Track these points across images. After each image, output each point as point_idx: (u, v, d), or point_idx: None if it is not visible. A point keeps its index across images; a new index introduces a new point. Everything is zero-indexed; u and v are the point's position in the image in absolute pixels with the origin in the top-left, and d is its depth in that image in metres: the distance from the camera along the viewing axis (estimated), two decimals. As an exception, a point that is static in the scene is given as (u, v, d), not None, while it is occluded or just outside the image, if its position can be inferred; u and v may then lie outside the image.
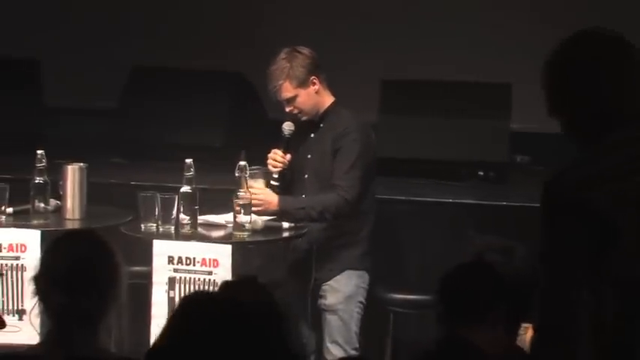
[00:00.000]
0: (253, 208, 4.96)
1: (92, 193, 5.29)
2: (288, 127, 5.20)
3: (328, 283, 5.18)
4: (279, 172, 5.15)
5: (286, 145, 5.20)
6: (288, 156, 5.18)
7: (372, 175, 5.25)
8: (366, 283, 5.22)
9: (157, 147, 6.76)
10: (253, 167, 5.04)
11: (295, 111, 5.18)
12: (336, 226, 5.14)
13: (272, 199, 5.04)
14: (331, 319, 5.16)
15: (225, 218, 5.08)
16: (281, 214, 5.07)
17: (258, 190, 5.01)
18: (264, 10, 7.62)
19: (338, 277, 5.18)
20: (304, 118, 5.21)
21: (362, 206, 5.18)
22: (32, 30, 7.69)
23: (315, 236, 5.17)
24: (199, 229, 5.02)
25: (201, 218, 5.06)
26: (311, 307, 5.27)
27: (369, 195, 5.24)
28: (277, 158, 5.17)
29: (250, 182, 4.99)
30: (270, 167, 5.17)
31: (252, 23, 7.58)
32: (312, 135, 5.24)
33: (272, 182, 5.14)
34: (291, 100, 5.16)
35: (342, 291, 5.16)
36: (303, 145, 5.23)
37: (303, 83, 5.14)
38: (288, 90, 5.13)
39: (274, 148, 5.19)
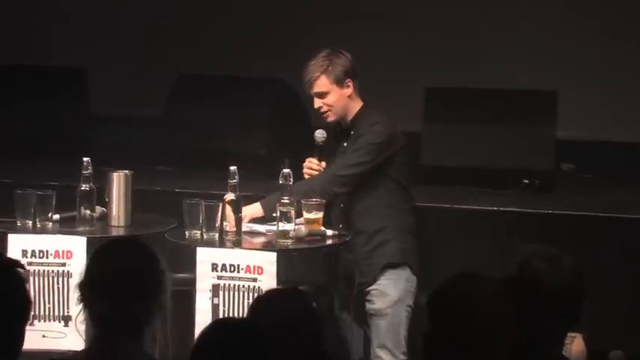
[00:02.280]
0: (244, 221, 4.98)
1: (137, 200, 5.32)
2: (320, 134, 5.20)
3: (376, 287, 5.17)
4: None
5: (319, 152, 5.19)
6: (323, 163, 5.18)
7: (405, 169, 5.22)
8: (414, 287, 5.20)
9: (202, 154, 6.78)
10: (310, 200, 5.02)
11: (324, 108, 5.17)
12: (371, 224, 5.13)
13: (255, 207, 5.06)
14: (380, 324, 5.14)
15: (267, 227, 5.08)
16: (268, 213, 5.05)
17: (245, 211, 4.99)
18: (307, 18, 7.63)
19: (385, 281, 5.16)
20: (331, 119, 5.19)
21: (396, 201, 5.17)
22: (79, 39, 7.75)
23: (352, 240, 5.17)
24: (247, 236, 5.03)
25: (246, 226, 5.07)
26: (358, 312, 5.26)
27: (403, 189, 5.22)
28: (313, 167, 5.17)
29: (306, 214, 5.00)
30: (306, 176, 5.16)
31: (296, 31, 7.59)
32: (345, 144, 5.23)
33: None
34: (322, 95, 5.15)
35: (391, 295, 5.14)
36: (336, 154, 5.22)
37: (338, 82, 5.15)
38: (322, 84, 5.14)
39: (309, 157, 5.19)
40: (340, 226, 5.17)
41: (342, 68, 5.15)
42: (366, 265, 5.19)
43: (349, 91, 5.18)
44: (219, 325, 2.89)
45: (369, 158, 5.13)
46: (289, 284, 4.66)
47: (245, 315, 4.72)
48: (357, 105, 5.23)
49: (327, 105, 5.16)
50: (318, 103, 5.17)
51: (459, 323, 2.90)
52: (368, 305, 5.21)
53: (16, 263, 2.70)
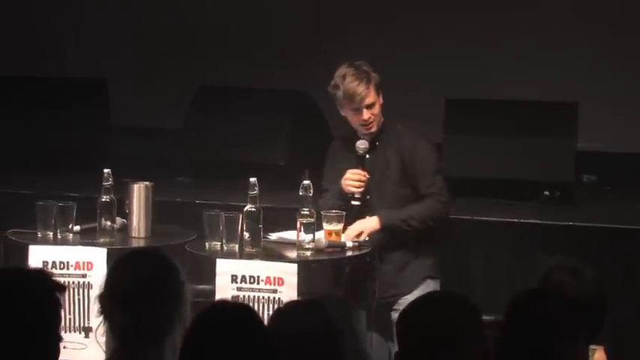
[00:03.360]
0: (362, 237, 5.03)
1: (158, 212, 5.33)
2: (362, 144, 5.19)
3: (406, 296, 5.15)
4: (362, 192, 5.14)
5: (363, 163, 5.19)
6: (366, 172, 5.18)
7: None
8: None
9: (222, 165, 6.79)
10: (330, 212, 5.03)
11: (371, 119, 5.16)
12: (411, 236, 5.14)
13: (371, 222, 5.08)
14: None
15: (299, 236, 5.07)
16: (384, 230, 5.09)
17: (356, 226, 5.04)
18: (328, 30, 7.64)
19: (419, 292, 5.15)
20: (373, 129, 5.19)
21: None
22: (100, 50, 7.78)
23: (390, 251, 5.16)
24: (270, 246, 5.03)
25: (275, 235, 5.08)
26: (383, 324, 5.25)
27: None
28: (361, 178, 5.14)
29: (326, 226, 5.00)
30: (349, 188, 5.14)
31: (316, 42, 7.60)
32: (368, 156, 5.22)
33: (353, 202, 5.14)
34: (371, 106, 5.15)
35: None
36: (361, 160, 5.20)
37: (378, 91, 5.18)
38: (372, 95, 5.14)
39: (348, 169, 5.16)
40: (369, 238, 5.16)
41: (377, 75, 5.17)
42: (401, 276, 5.18)
43: (381, 100, 5.20)
44: (215, 307, 2.87)
45: (443, 165, 5.21)
46: (309, 296, 4.65)
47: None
48: (381, 116, 5.25)
49: (374, 115, 5.17)
50: (367, 114, 5.15)
51: (427, 345, 2.88)
52: (394, 315, 5.19)
53: (52, 280, 2.70)
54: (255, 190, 4.97)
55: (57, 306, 2.62)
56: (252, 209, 4.96)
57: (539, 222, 5.94)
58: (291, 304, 3.39)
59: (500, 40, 7.38)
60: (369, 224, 5.10)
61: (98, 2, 7.98)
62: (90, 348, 4.91)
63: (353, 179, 5.14)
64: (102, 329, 3.26)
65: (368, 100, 5.14)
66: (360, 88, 5.12)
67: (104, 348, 4.73)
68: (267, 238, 5.10)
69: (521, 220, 5.93)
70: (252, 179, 4.98)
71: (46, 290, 2.59)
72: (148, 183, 5.31)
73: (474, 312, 2.98)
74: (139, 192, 5.26)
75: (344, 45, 7.49)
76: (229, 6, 7.81)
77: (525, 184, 6.53)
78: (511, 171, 6.58)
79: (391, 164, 5.18)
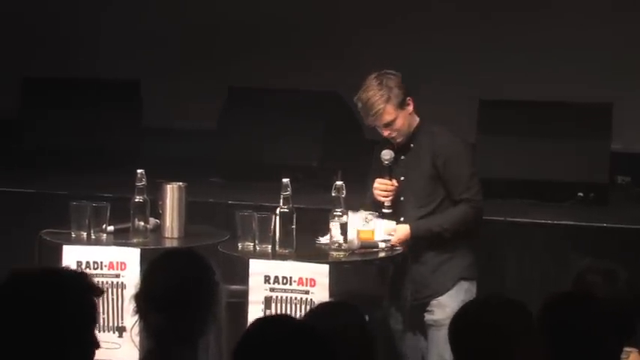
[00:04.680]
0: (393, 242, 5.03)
1: (191, 212, 5.34)
2: (388, 154, 5.16)
3: (438, 298, 5.14)
4: (392, 200, 5.13)
5: (389, 172, 5.17)
6: (394, 181, 5.15)
7: None
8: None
9: (255, 166, 6.80)
10: (368, 213, 5.04)
11: (393, 134, 5.16)
12: (447, 238, 5.14)
13: (403, 232, 5.08)
14: (439, 335, 5.10)
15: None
16: (415, 240, 5.10)
17: (390, 231, 5.05)
18: (360, 31, 7.63)
19: (454, 292, 5.14)
20: (399, 139, 5.19)
21: None
22: (133, 52, 7.81)
23: (424, 252, 5.16)
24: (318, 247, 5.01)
25: (325, 239, 5.05)
26: (416, 324, 5.25)
27: None
28: (388, 187, 5.14)
29: (358, 227, 5.00)
30: (379, 198, 5.14)
31: (348, 43, 7.59)
32: (403, 157, 5.21)
33: (384, 210, 5.13)
34: (390, 124, 5.14)
35: (450, 306, 5.10)
36: (394, 169, 5.20)
37: (401, 105, 5.14)
38: (389, 113, 5.12)
39: (377, 177, 5.16)
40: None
41: (400, 90, 5.13)
42: (434, 277, 5.17)
43: (410, 108, 5.17)
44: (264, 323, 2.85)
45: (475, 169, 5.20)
46: (342, 296, 4.65)
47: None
48: (416, 119, 5.23)
49: (395, 130, 5.15)
50: (387, 132, 5.15)
51: (483, 349, 2.86)
52: (427, 316, 5.19)
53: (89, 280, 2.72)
54: (287, 190, 4.97)
55: (93, 309, 2.63)
56: (285, 210, 4.97)
57: (572, 223, 5.91)
58: (323, 305, 3.40)
59: (534, 41, 7.34)
60: (400, 234, 5.09)
61: (131, 4, 8.01)
62: (124, 347, 4.94)
63: (381, 189, 5.14)
64: (136, 329, 3.27)
65: (385, 120, 5.11)
66: (374, 110, 5.08)
67: (139, 347, 4.75)
68: (318, 241, 5.10)
69: (555, 222, 5.90)
70: (285, 180, 4.99)
71: (83, 293, 2.60)
72: (181, 183, 5.32)
73: (529, 319, 2.95)
74: (172, 192, 5.28)
75: (377, 44, 7.48)
76: (261, 6, 7.82)
77: (559, 186, 6.50)
78: (545, 172, 6.55)
79: (424, 166, 5.17)
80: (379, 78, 5.15)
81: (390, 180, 5.15)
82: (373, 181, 5.22)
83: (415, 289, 5.18)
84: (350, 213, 5.01)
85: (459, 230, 5.11)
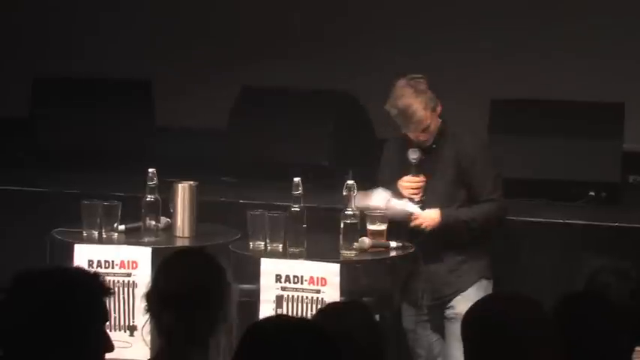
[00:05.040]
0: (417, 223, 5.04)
1: (202, 211, 5.34)
2: (414, 153, 5.16)
3: (461, 294, 5.14)
4: (421, 197, 5.14)
5: (416, 171, 5.17)
6: (422, 177, 5.16)
7: None
8: None
9: (266, 165, 6.80)
10: (374, 212, 5.04)
11: (426, 137, 5.16)
12: (471, 232, 5.15)
13: (433, 215, 5.10)
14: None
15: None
16: (443, 227, 5.10)
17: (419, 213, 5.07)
18: (372, 30, 7.62)
19: (474, 290, 5.14)
20: (426, 142, 5.17)
21: None
22: (145, 52, 7.82)
23: (442, 251, 5.15)
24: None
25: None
26: (433, 324, 5.24)
27: None
28: (417, 185, 5.14)
29: (370, 226, 5.00)
30: (408, 195, 5.14)
31: (359, 42, 7.59)
32: (423, 157, 5.20)
33: (412, 209, 5.13)
34: (427, 129, 5.15)
35: (473, 300, 5.05)
36: (415, 169, 5.18)
37: (434, 110, 5.16)
38: (427, 118, 5.13)
39: (404, 175, 5.16)
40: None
41: (432, 95, 5.15)
42: (455, 275, 5.16)
43: (439, 110, 5.19)
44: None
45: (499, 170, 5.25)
46: (353, 296, 4.65)
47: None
48: (438, 120, 5.23)
49: (429, 133, 5.16)
50: (422, 136, 5.16)
51: (497, 346, 2.84)
52: (448, 311, 5.17)
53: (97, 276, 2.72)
54: (299, 190, 4.98)
55: (105, 310, 2.63)
56: (296, 209, 4.97)
57: (584, 223, 5.89)
58: (332, 305, 3.39)
59: (545, 40, 7.33)
60: (430, 217, 5.09)
61: (143, 4, 8.02)
62: (135, 346, 4.94)
63: (410, 186, 5.14)
64: (147, 328, 3.28)
65: (424, 125, 5.13)
66: (415, 117, 5.09)
67: (149, 346, 4.76)
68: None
69: (567, 221, 5.89)
70: (296, 179, 4.99)
71: (95, 294, 2.60)
72: (192, 183, 5.33)
73: (543, 317, 2.92)
74: (183, 192, 5.29)
75: (388, 44, 7.48)
76: (272, 6, 7.82)
77: (571, 185, 6.49)
78: (556, 171, 6.53)
79: (448, 167, 5.16)
80: (411, 84, 5.15)
81: (418, 177, 5.15)
82: (384, 178, 5.22)
83: (434, 289, 5.17)
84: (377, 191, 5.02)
85: (484, 226, 5.13)
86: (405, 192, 5.15)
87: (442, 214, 5.12)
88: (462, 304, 5.10)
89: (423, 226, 5.11)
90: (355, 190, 4.96)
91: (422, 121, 5.12)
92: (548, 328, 2.88)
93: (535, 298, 2.96)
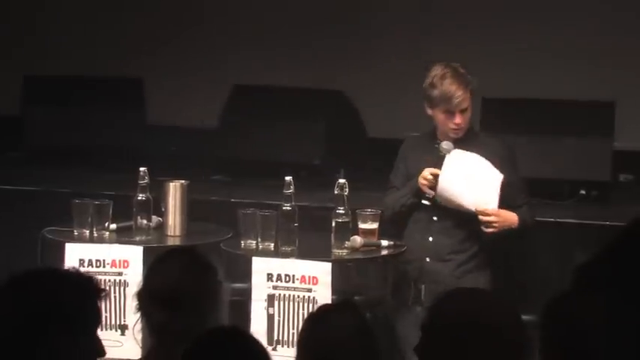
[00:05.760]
0: (494, 228, 4.98)
1: (193, 210, 5.34)
2: (447, 145, 5.05)
3: None
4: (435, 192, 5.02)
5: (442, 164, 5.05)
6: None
7: None
8: None
9: (257, 164, 6.80)
10: (366, 211, 5.02)
11: (462, 124, 5.04)
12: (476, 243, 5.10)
13: (512, 217, 5.05)
14: None
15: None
16: (520, 228, 5.08)
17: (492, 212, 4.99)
18: (364, 29, 7.62)
19: None
20: (460, 134, 5.07)
21: None
22: (136, 50, 7.81)
23: (447, 253, 5.10)
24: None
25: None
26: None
27: None
28: (431, 174, 5.01)
29: (361, 225, 4.99)
30: (424, 188, 5.02)
31: (351, 42, 7.59)
32: (436, 145, 5.10)
33: (423, 201, 5.05)
34: (465, 111, 5.04)
35: None
36: (428, 164, 5.08)
37: (472, 96, 5.09)
38: (467, 100, 5.04)
39: (428, 168, 5.03)
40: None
41: (475, 82, 5.08)
42: (458, 283, 5.02)
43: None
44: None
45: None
46: (345, 295, 4.65)
47: (300, 326, 4.73)
48: None
49: (466, 120, 5.07)
50: (459, 118, 5.03)
51: (453, 339, 2.82)
52: None
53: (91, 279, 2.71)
54: (290, 188, 4.98)
55: (98, 314, 2.62)
56: (288, 208, 4.97)
57: (575, 221, 5.90)
58: (324, 308, 3.38)
59: (536, 38, 7.34)
60: (510, 219, 5.04)
61: (133, 1, 8.01)
62: (126, 345, 4.94)
63: (425, 177, 5.02)
64: (139, 326, 3.27)
65: (463, 105, 5.03)
66: (459, 92, 5.00)
67: (141, 344, 4.76)
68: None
69: (557, 220, 5.90)
70: (288, 178, 4.99)
71: (88, 297, 2.59)
72: (183, 181, 5.33)
73: (507, 307, 2.92)
74: (174, 190, 5.28)
75: (379, 44, 7.48)
76: (264, 3, 7.82)
77: (561, 184, 6.49)
78: (547, 170, 6.54)
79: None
80: (451, 66, 5.08)
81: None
82: (402, 180, 5.13)
83: (437, 290, 5.14)
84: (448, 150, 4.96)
85: (526, 232, 5.10)
86: (424, 184, 5.01)
87: (519, 218, 5.05)
88: None
89: (497, 226, 5.00)
90: (347, 189, 4.96)
91: (464, 100, 5.01)
92: (513, 325, 2.87)
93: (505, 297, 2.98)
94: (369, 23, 7.62)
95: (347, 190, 4.95)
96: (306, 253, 4.98)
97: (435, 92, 5.03)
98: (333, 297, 4.72)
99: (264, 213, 5.03)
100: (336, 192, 4.97)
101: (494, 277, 5.23)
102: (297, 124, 6.97)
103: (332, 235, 4.98)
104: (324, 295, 4.75)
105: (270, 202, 5.41)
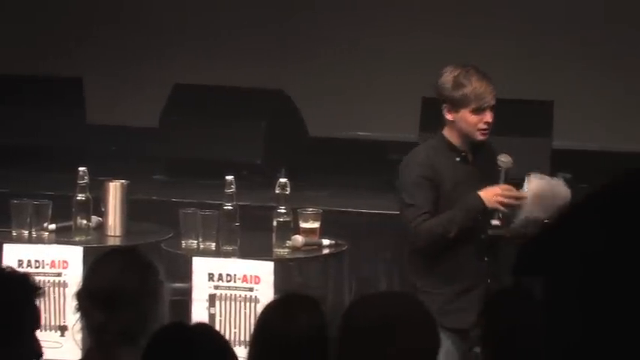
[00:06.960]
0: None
1: (133, 210, 5.32)
2: (505, 158, 4.81)
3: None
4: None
5: (506, 178, 4.77)
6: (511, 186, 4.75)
7: None
8: None
9: (198, 164, 6.79)
10: (307, 210, 5.01)
11: (489, 123, 4.81)
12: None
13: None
14: None
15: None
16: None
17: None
18: (308, 29, 7.63)
19: None
20: (487, 136, 4.84)
21: None
22: (75, 48, 7.75)
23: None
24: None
25: None
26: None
27: None
28: (514, 194, 4.66)
29: (302, 224, 4.99)
30: (498, 206, 4.62)
31: (294, 41, 7.59)
32: (457, 159, 4.82)
33: (493, 222, 4.67)
34: (493, 109, 4.80)
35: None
36: (505, 176, 4.80)
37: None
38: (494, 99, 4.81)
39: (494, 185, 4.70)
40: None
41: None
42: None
43: None
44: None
45: None
46: (283, 294, 4.64)
47: (243, 325, 4.73)
48: None
49: (492, 118, 4.81)
50: (489, 116, 4.79)
51: (369, 343, 2.84)
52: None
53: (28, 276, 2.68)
54: (231, 188, 4.97)
55: (36, 313, 2.59)
56: (229, 207, 4.96)
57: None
58: (277, 301, 3.35)
59: (475, 39, 7.39)
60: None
61: (73, 0, 7.95)
62: (65, 346, 4.91)
63: (508, 196, 4.64)
64: (78, 327, 3.25)
65: (493, 102, 4.79)
66: (490, 87, 4.75)
67: (80, 346, 4.72)
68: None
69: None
70: (229, 177, 4.98)
71: (26, 296, 2.57)
72: (123, 181, 5.30)
73: (422, 309, 2.91)
74: (114, 190, 5.25)
75: (322, 43, 7.49)
76: (206, 4, 7.80)
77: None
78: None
79: (490, 176, 4.79)
80: (470, 65, 4.82)
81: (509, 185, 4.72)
82: (446, 203, 4.69)
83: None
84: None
85: None
86: (499, 203, 4.61)
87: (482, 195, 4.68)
88: None
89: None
90: (288, 188, 4.96)
91: (492, 93, 4.77)
92: (417, 320, 2.87)
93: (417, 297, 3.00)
94: (309, 22, 7.63)
95: (288, 189, 4.96)
96: (248, 252, 4.98)
97: (464, 91, 4.72)
98: (276, 296, 4.71)
99: (205, 213, 5.01)
100: (277, 191, 4.97)
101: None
102: (238, 123, 6.97)
103: (273, 234, 4.98)
104: (266, 294, 4.75)
105: (212, 201, 5.40)
